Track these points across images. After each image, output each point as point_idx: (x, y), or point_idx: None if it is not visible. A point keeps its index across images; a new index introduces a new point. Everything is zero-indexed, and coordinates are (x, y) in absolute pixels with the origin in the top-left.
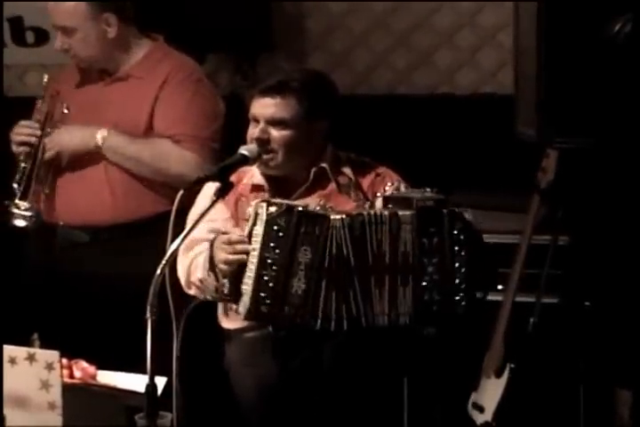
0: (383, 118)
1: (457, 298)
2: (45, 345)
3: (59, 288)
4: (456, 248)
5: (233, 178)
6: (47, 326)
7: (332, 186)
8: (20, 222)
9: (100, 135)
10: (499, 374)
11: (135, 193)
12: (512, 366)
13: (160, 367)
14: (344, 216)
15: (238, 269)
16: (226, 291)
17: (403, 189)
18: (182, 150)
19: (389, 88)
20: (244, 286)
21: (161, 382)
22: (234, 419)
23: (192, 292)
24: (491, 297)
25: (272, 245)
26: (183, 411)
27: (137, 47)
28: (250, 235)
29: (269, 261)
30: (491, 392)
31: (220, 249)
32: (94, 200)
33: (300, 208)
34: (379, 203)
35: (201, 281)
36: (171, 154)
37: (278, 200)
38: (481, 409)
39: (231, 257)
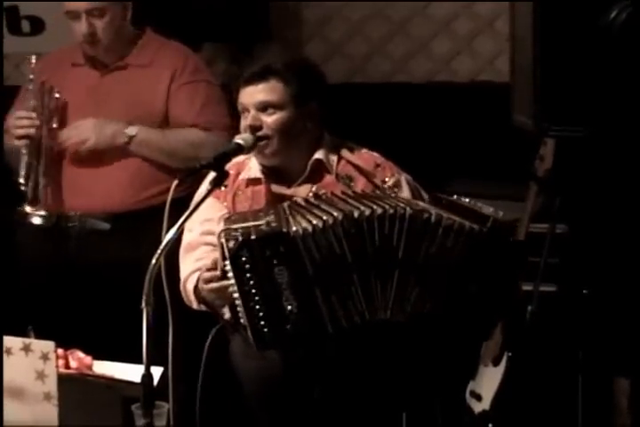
0: (381, 107)
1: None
2: (41, 335)
3: (56, 278)
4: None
5: (232, 171)
6: (43, 315)
7: (330, 177)
8: (36, 220)
9: (131, 132)
10: (497, 363)
11: (150, 181)
12: (510, 354)
13: (156, 357)
14: (313, 222)
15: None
16: (233, 321)
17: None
18: (214, 137)
19: (387, 76)
20: (241, 320)
21: (157, 372)
22: (232, 410)
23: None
24: None
25: (247, 276)
26: (180, 401)
27: (132, 36)
28: (224, 270)
29: (252, 291)
30: (489, 381)
31: (204, 290)
32: (110, 188)
33: (254, 236)
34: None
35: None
36: (205, 142)
37: (237, 226)
38: (479, 398)
39: (215, 294)
